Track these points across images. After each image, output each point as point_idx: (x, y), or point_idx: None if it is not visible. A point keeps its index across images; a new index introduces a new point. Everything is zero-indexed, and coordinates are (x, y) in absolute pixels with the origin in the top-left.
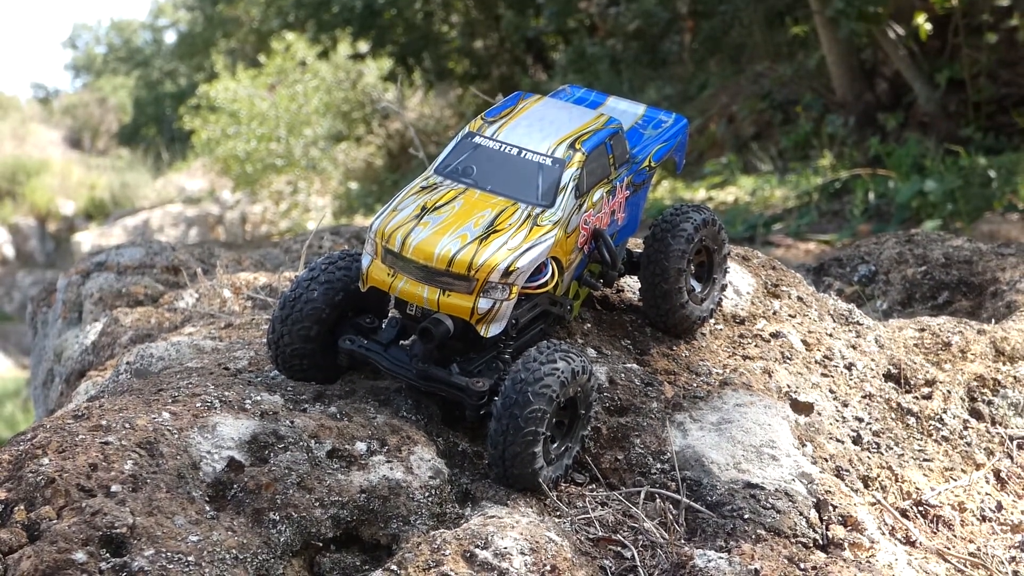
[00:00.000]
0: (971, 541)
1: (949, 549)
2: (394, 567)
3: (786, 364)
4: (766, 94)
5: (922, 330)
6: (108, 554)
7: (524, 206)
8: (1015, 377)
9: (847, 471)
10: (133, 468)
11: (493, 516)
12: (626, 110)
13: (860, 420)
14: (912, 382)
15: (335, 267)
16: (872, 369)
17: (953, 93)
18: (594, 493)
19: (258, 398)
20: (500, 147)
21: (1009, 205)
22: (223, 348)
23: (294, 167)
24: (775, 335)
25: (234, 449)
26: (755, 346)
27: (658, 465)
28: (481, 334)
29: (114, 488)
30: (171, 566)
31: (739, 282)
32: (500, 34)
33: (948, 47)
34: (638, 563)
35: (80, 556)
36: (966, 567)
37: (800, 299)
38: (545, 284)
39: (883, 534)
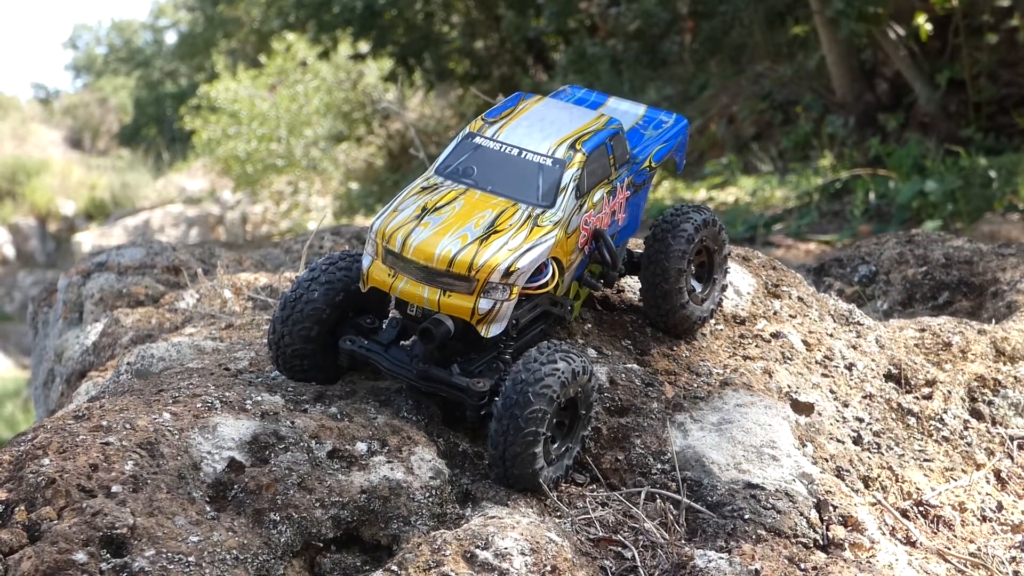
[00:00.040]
0: (971, 541)
1: (949, 549)
2: (394, 567)
3: (786, 364)
4: (766, 94)
5: (922, 330)
6: (108, 555)
7: (525, 207)
8: (1015, 377)
9: (847, 471)
10: (134, 468)
11: (493, 516)
12: (627, 111)
13: (860, 420)
14: (912, 382)
15: (336, 267)
16: (872, 369)
17: (953, 93)
18: (594, 493)
19: (259, 398)
20: (500, 148)
21: (1009, 205)
22: (224, 348)
23: (295, 167)
24: (775, 335)
25: (235, 449)
26: (755, 346)
27: (658, 465)
28: (482, 334)
29: (115, 488)
30: (171, 567)
31: (739, 282)
32: (501, 34)
33: (948, 47)
34: (638, 563)
35: (81, 557)
36: (966, 567)
37: (800, 299)
38: (546, 284)
39: (883, 534)
